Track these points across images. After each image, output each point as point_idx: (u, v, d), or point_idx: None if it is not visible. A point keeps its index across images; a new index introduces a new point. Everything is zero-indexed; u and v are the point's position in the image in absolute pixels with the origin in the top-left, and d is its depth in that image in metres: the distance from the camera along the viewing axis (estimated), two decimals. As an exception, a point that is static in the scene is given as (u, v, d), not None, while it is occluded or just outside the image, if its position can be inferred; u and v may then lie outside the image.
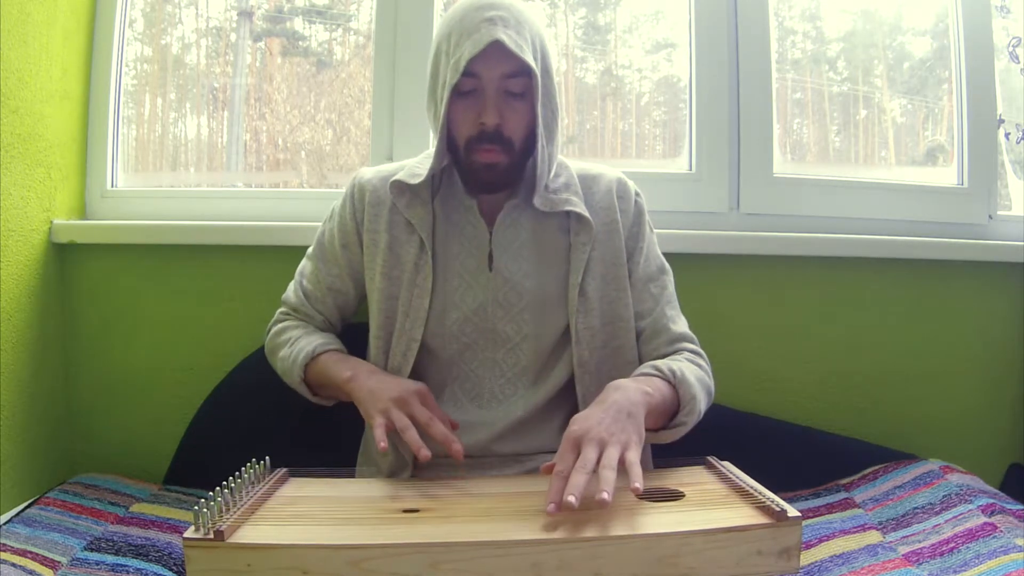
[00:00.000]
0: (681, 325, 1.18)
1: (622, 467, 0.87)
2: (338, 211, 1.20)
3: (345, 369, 1.11)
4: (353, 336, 1.22)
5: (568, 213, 1.14)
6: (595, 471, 0.85)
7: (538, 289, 1.14)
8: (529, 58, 1.03)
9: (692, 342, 1.18)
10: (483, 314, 1.13)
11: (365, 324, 1.19)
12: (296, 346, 1.17)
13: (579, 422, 0.92)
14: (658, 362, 1.08)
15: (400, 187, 1.14)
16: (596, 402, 0.98)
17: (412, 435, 0.98)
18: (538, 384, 1.14)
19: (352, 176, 1.21)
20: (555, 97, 1.09)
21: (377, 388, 1.06)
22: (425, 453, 0.96)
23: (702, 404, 1.08)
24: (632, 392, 0.97)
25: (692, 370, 1.09)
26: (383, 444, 0.97)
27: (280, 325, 1.24)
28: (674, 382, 1.04)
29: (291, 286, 1.26)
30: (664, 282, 1.19)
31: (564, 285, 1.14)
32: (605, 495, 0.81)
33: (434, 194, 1.15)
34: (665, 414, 1.04)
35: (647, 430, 0.98)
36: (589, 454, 0.87)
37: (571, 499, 0.81)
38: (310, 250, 1.25)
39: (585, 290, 1.13)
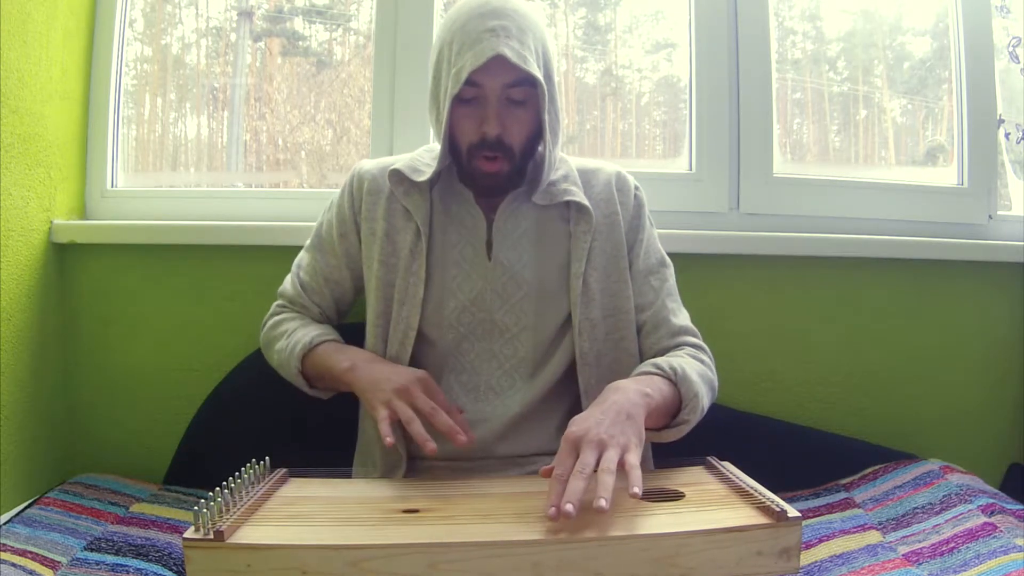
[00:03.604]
0: (682, 318, 1.18)
1: (621, 470, 0.85)
2: (337, 201, 1.21)
3: (343, 359, 1.10)
4: (352, 336, 1.22)
5: (568, 203, 1.15)
6: (594, 474, 0.84)
7: (537, 279, 1.14)
8: (533, 68, 1.02)
9: (694, 335, 1.17)
10: (481, 303, 1.13)
11: (362, 324, 1.19)
12: (293, 337, 1.16)
13: (577, 423, 0.91)
14: (659, 360, 1.07)
15: (399, 176, 1.14)
16: (595, 403, 0.96)
17: (417, 427, 0.97)
18: (536, 377, 1.14)
19: (353, 167, 1.22)
20: (557, 100, 1.09)
21: (380, 377, 1.04)
22: (431, 446, 0.95)
23: (705, 400, 1.07)
24: (632, 393, 0.96)
25: (694, 366, 1.08)
26: (388, 439, 0.96)
27: (276, 318, 1.23)
28: (675, 380, 1.03)
29: (288, 278, 1.25)
30: (665, 275, 1.19)
31: (564, 275, 1.14)
32: (603, 502, 0.80)
33: (432, 184, 1.15)
34: (667, 413, 1.03)
35: (649, 429, 0.98)
36: (587, 457, 0.85)
37: (568, 507, 0.80)
38: (308, 242, 1.25)
39: (587, 281, 1.13)
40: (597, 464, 0.85)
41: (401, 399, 1.00)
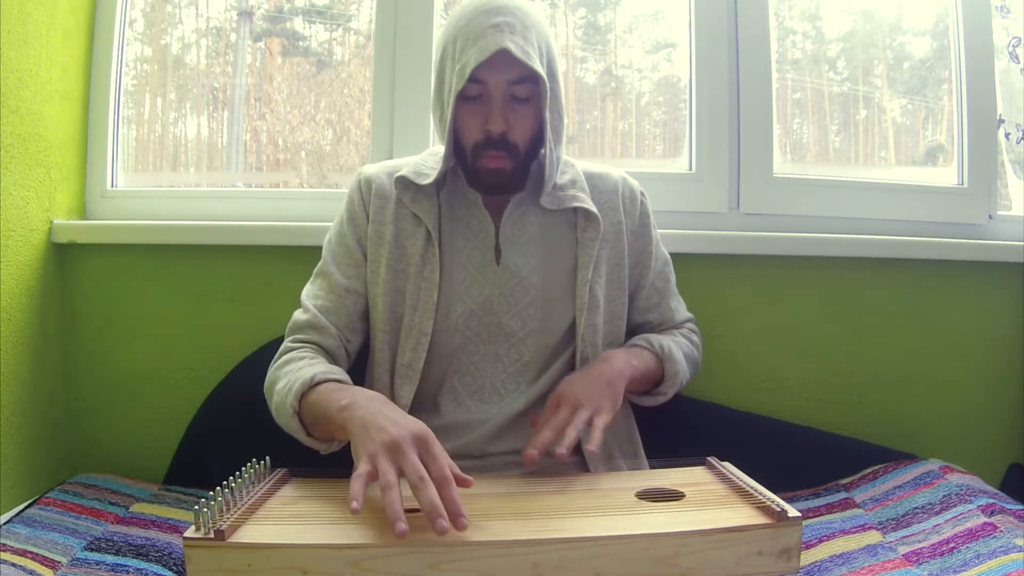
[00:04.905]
0: (681, 311, 1.29)
1: (588, 428, 1.00)
2: (346, 208, 1.19)
3: (344, 396, 0.95)
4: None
5: (576, 209, 1.15)
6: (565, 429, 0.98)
7: (544, 284, 1.14)
8: (537, 65, 1.03)
9: (690, 321, 1.30)
10: (488, 308, 1.13)
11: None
12: (293, 375, 1.03)
13: (565, 384, 1.07)
14: (651, 336, 1.20)
15: (405, 182, 1.14)
16: (585, 368, 1.11)
17: (392, 501, 0.79)
18: (539, 380, 1.14)
19: (355, 173, 1.21)
20: (561, 99, 1.09)
21: (373, 423, 0.88)
22: (400, 528, 0.77)
23: (685, 377, 1.20)
24: (618, 364, 1.10)
25: (682, 345, 1.22)
26: (354, 505, 0.79)
27: (284, 357, 1.11)
28: (662, 357, 1.16)
29: (296, 313, 1.15)
30: (667, 274, 1.27)
31: (570, 280, 1.15)
32: (562, 450, 0.96)
33: (439, 189, 1.15)
34: (648, 382, 1.17)
35: (632, 392, 1.15)
36: (562, 413, 1.01)
37: (532, 452, 0.97)
38: (315, 270, 1.18)
39: (593, 288, 1.14)
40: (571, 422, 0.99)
41: (389, 457, 0.83)
